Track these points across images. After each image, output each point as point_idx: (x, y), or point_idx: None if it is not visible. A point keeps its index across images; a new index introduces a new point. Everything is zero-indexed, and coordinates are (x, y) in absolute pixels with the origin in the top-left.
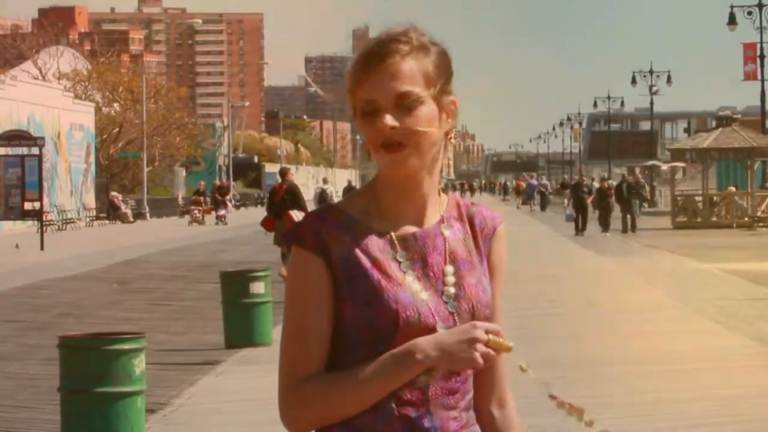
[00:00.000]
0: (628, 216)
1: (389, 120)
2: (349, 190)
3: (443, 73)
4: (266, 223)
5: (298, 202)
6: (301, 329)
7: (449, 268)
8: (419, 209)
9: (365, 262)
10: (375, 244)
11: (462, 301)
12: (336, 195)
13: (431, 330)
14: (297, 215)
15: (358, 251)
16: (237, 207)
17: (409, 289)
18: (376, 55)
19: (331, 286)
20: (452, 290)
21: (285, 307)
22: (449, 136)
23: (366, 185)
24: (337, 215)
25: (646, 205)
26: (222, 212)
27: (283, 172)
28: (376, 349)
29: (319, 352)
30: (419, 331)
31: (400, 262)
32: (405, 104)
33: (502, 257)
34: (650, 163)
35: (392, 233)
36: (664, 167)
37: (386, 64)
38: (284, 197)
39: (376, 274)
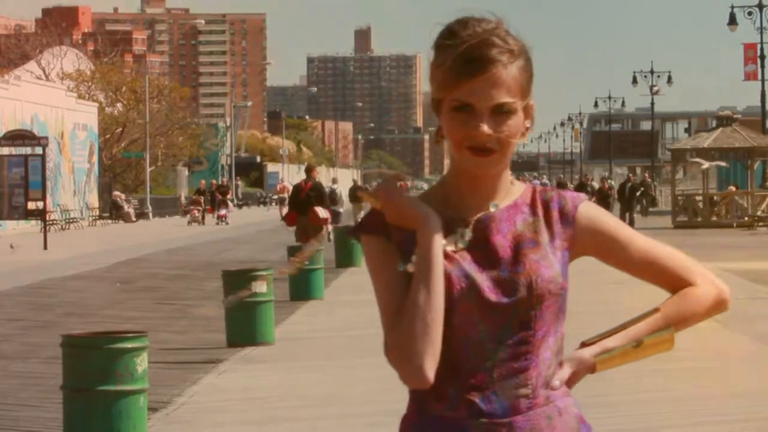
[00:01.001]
0: (627, 215)
1: (486, 129)
2: (356, 190)
3: (530, 78)
4: (288, 219)
5: (322, 198)
6: (390, 296)
7: (510, 248)
8: (488, 197)
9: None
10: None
11: (520, 276)
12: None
13: (486, 303)
14: (322, 212)
15: (410, 239)
16: (239, 206)
17: (465, 267)
18: (477, 60)
19: (397, 258)
20: (511, 267)
21: (373, 286)
22: (523, 135)
23: (440, 179)
24: None
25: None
26: (223, 212)
27: (309, 170)
28: (444, 320)
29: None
30: (474, 304)
31: (459, 244)
32: (501, 113)
33: (601, 221)
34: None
35: (456, 218)
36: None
37: (488, 72)
38: (309, 194)
39: None
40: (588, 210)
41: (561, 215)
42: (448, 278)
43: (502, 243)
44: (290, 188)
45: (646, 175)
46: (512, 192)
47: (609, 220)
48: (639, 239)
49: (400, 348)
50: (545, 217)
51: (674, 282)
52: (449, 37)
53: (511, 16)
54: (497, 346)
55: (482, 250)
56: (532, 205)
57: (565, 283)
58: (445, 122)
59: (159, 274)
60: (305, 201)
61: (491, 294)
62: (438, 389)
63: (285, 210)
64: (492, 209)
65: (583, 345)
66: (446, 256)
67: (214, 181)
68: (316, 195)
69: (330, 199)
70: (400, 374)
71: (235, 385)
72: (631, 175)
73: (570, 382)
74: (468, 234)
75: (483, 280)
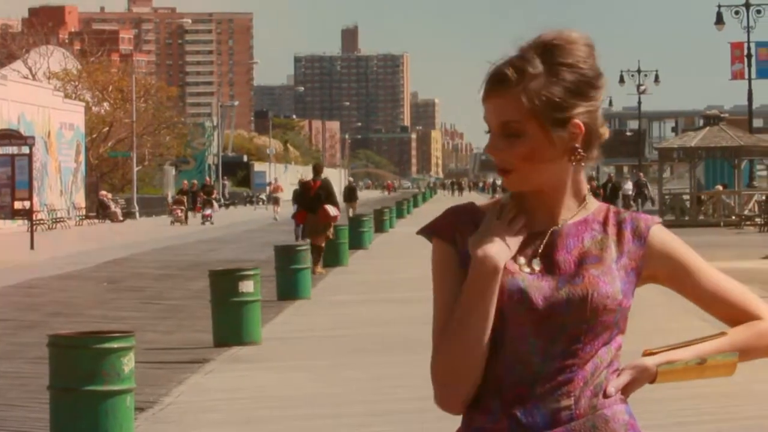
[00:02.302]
0: None
1: (493, 150)
2: (351, 190)
3: (561, 100)
4: (297, 217)
5: (331, 197)
6: (442, 304)
7: (573, 263)
8: (554, 211)
9: None
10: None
11: (577, 288)
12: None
13: (537, 316)
14: (331, 210)
15: None
16: (226, 206)
17: (521, 278)
18: (492, 79)
19: (458, 268)
20: (569, 280)
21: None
22: (575, 158)
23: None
24: (472, 212)
25: (649, 203)
26: (208, 212)
27: (318, 169)
28: (492, 336)
29: None
30: (526, 318)
31: (518, 256)
32: (507, 133)
33: (673, 246)
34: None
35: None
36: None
37: (495, 92)
38: (318, 192)
39: None
40: (661, 233)
41: (634, 235)
42: (502, 293)
43: (566, 258)
44: (283, 187)
45: (641, 174)
46: (585, 208)
47: (681, 247)
48: (709, 269)
49: (442, 371)
50: (617, 236)
51: (741, 316)
52: None
53: (500, 15)
54: (544, 359)
55: (545, 264)
56: (604, 223)
57: (627, 302)
58: None
59: (146, 273)
60: (314, 199)
61: (544, 307)
62: (481, 402)
63: (279, 209)
64: (561, 224)
65: (647, 353)
66: (508, 269)
67: (195, 182)
68: (325, 193)
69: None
70: (435, 395)
71: (222, 385)
72: (611, 174)
73: (627, 390)
74: (537, 264)
75: (538, 293)
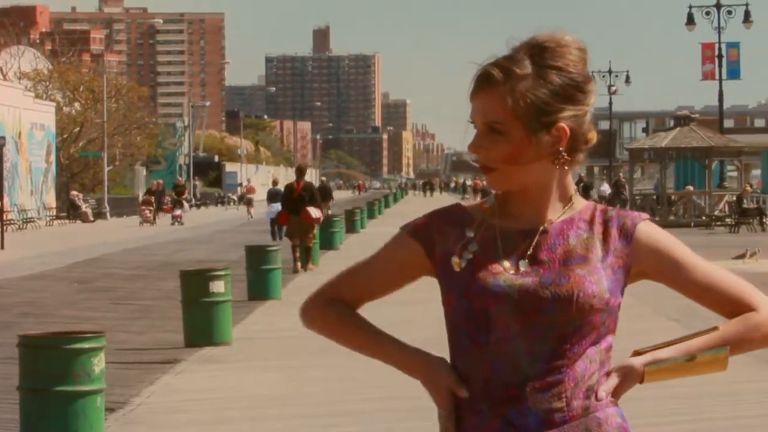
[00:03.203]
0: None
1: (475, 149)
2: (325, 189)
3: (547, 104)
4: (280, 218)
5: (314, 198)
6: (362, 268)
7: (558, 262)
8: (540, 212)
9: (466, 255)
10: (484, 237)
11: (563, 287)
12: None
13: (524, 317)
14: (314, 212)
15: (459, 246)
16: (198, 206)
17: (504, 278)
18: (479, 78)
19: (414, 270)
20: (555, 280)
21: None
22: (559, 161)
23: None
24: (456, 212)
25: (620, 204)
26: (178, 212)
27: (301, 170)
28: (477, 339)
29: (361, 291)
30: (512, 319)
31: (502, 256)
32: (491, 132)
33: (661, 240)
34: None
35: (504, 229)
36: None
37: (483, 89)
38: (302, 194)
39: (473, 265)
40: (648, 229)
41: (620, 233)
42: (486, 294)
43: (551, 258)
44: (256, 188)
45: (621, 175)
46: (571, 207)
47: (669, 241)
48: (699, 262)
49: (315, 311)
50: (603, 235)
51: (735, 308)
52: None
53: (472, 16)
54: (532, 360)
55: (531, 264)
56: (590, 222)
57: (614, 300)
58: None
59: (116, 274)
60: (298, 200)
61: (529, 308)
62: (472, 404)
63: (252, 209)
64: (547, 224)
65: (636, 353)
66: (487, 267)
67: (161, 182)
68: (309, 195)
69: (273, 200)
70: (300, 310)
71: (193, 385)
72: (582, 174)
73: (617, 392)
74: (524, 265)
75: (524, 294)
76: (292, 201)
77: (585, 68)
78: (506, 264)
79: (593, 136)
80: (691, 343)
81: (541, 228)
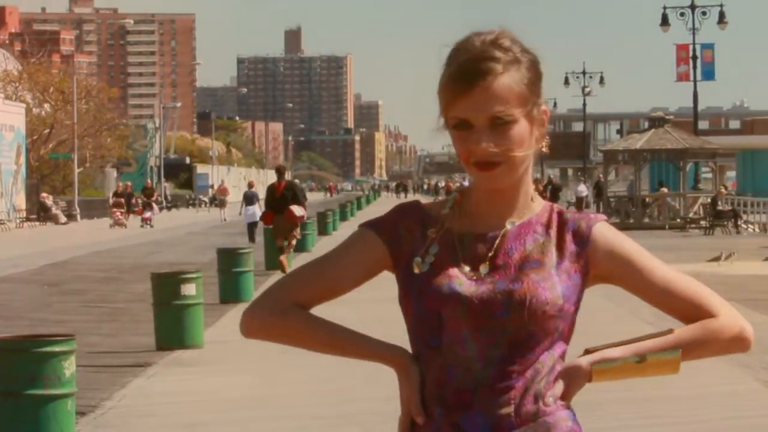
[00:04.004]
0: None
1: (485, 144)
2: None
3: (535, 85)
4: (265, 218)
5: (297, 197)
6: (319, 267)
7: (514, 267)
8: (502, 212)
9: (428, 258)
10: (444, 240)
11: (516, 293)
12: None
13: (476, 321)
14: (297, 210)
15: (422, 247)
16: (168, 208)
17: (458, 282)
18: (469, 73)
19: (376, 268)
20: (508, 285)
21: (324, 254)
22: (542, 145)
23: (461, 190)
24: (419, 210)
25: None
26: (147, 214)
27: (281, 171)
28: (430, 343)
29: (318, 291)
30: (463, 322)
31: (460, 259)
32: (498, 124)
33: (618, 243)
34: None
35: (463, 233)
36: None
37: (480, 84)
38: (284, 193)
39: (432, 268)
40: (604, 231)
41: (575, 236)
42: (439, 297)
43: (507, 262)
44: (230, 190)
45: (600, 176)
46: (530, 209)
47: (626, 244)
48: (658, 265)
49: (259, 308)
50: (558, 238)
51: (694, 313)
52: (449, 58)
53: (444, 17)
54: (485, 365)
55: (488, 269)
56: (547, 225)
57: (570, 306)
58: (453, 141)
59: (87, 276)
60: (281, 200)
61: (481, 312)
62: (426, 409)
63: (225, 211)
64: (508, 226)
65: (587, 352)
66: (445, 270)
67: (129, 184)
68: (291, 194)
69: (249, 202)
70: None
71: (165, 388)
72: (552, 176)
73: (567, 395)
74: (485, 269)
75: (476, 298)
76: (275, 200)
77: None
78: (465, 268)
79: None
80: (642, 344)
81: (501, 232)
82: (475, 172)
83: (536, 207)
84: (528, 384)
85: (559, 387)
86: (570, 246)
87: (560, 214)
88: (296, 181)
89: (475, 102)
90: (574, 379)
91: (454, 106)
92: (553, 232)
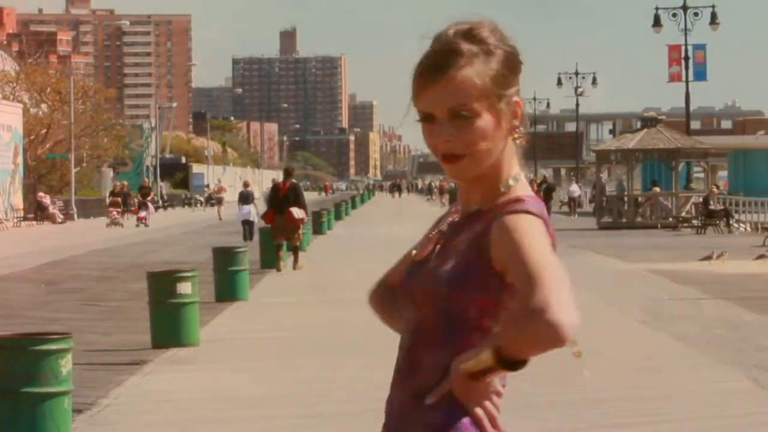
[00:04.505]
0: None
1: (445, 138)
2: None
3: (505, 77)
4: (266, 217)
5: (298, 199)
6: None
7: (438, 256)
8: (470, 204)
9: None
10: (432, 227)
11: (421, 272)
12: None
13: (402, 306)
14: (297, 212)
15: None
16: (164, 208)
17: (407, 270)
18: (431, 66)
19: None
20: (416, 274)
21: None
22: (515, 137)
23: None
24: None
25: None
26: (143, 214)
27: (289, 171)
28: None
29: None
30: (402, 305)
31: (421, 247)
32: (459, 116)
33: (504, 235)
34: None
35: (440, 219)
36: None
37: (440, 76)
38: (287, 194)
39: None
40: (505, 222)
41: (487, 227)
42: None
43: (437, 252)
44: (227, 188)
45: (600, 177)
46: (495, 200)
47: (514, 234)
48: (528, 260)
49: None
50: (479, 230)
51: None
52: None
53: (435, 20)
54: (402, 351)
55: (435, 250)
56: (487, 216)
57: (458, 294)
58: (423, 133)
59: (84, 275)
60: (283, 200)
61: (402, 300)
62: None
63: (223, 209)
64: (455, 218)
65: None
66: (408, 260)
67: (125, 183)
68: (294, 195)
69: (244, 201)
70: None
71: (161, 386)
72: (546, 175)
73: (459, 395)
74: (428, 238)
75: (401, 287)
76: (278, 200)
77: (510, 42)
78: (421, 251)
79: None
80: (489, 339)
81: (456, 220)
82: (443, 164)
83: (502, 198)
84: (420, 374)
85: (443, 387)
86: (480, 237)
87: (502, 205)
88: (293, 180)
89: (435, 95)
90: (453, 379)
91: (418, 99)
92: (481, 224)
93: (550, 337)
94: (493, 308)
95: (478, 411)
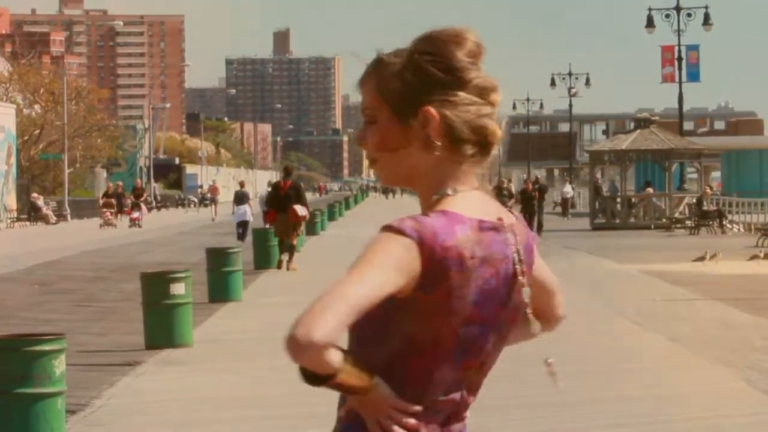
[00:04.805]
0: (536, 218)
1: (357, 140)
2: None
3: (404, 86)
4: (267, 216)
5: (300, 197)
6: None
7: None
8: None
9: None
10: None
11: None
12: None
13: None
14: (300, 209)
15: None
16: (158, 209)
17: None
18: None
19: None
20: None
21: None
22: (431, 145)
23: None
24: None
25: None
26: (136, 215)
27: (289, 170)
28: None
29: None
30: None
31: None
32: (367, 122)
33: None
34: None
35: None
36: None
37: (360, 81)
38: (288, 192)
39: None
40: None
41: None
42: None
43: None
44: (221, 189)
45: (597, 178)
46: (425, 211)
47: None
48: (355, 272)
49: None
50: None
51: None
52: None
53: (429, 20)
54: None
55: None
56: None
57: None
58: None
59: (77, 276)
60: (284, 199)
61: None
62: None
63: (217, 209)
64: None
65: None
66: None
67: (120, 184)
68: (295, 194)
69: (239, 202)
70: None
71: (154, 387)
72: (538, 176)
73: (356, 408)
74: None
75: None
76: (279, 199)
77: (469, 60)
78: None
79: (492, 132)
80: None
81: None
82: None
83: (429, 211)
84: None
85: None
86: None
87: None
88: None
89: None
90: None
91: None
92: None
93: (287, 347)
94: (381, 317)
95: (371, 425)
